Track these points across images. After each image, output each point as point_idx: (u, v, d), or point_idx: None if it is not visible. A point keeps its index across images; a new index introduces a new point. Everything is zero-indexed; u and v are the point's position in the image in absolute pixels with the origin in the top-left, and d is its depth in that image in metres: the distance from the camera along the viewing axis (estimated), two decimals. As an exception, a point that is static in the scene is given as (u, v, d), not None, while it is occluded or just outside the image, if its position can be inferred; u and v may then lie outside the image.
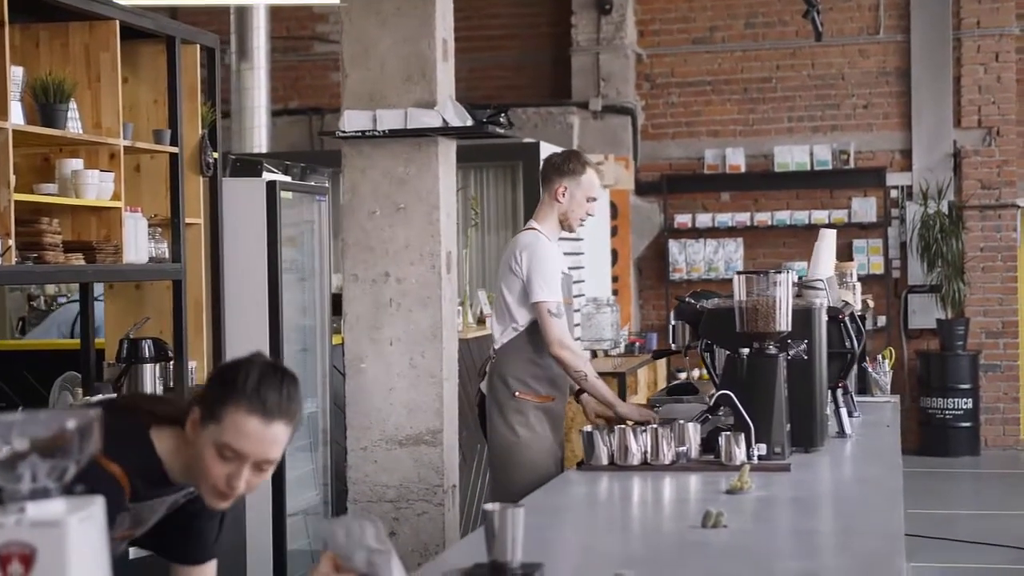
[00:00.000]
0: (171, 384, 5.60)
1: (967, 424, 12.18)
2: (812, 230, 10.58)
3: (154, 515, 2.78)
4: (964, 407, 12.15)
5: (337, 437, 6.63)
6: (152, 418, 2.72)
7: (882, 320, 12.48)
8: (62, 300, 8.29)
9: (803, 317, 4.49)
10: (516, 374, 5.20)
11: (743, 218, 12.74)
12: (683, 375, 10.90)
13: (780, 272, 4.38)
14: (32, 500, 1.75)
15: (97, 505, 1.77)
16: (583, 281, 10.35)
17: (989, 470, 11.80)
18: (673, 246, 12.85)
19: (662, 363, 10.79)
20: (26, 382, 6.23)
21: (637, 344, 10.65)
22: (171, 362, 5.57)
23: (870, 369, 6.35)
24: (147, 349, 5.41)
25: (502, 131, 5.83)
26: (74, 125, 4.90)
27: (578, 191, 5.24)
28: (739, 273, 4.41)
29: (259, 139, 10.79)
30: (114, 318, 5.76)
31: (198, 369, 5.85)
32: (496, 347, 5.30)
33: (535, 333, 5.19)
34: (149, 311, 5.65)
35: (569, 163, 5.28)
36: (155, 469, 2.69)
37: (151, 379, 5.40)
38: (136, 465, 2.65)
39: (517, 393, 5.17)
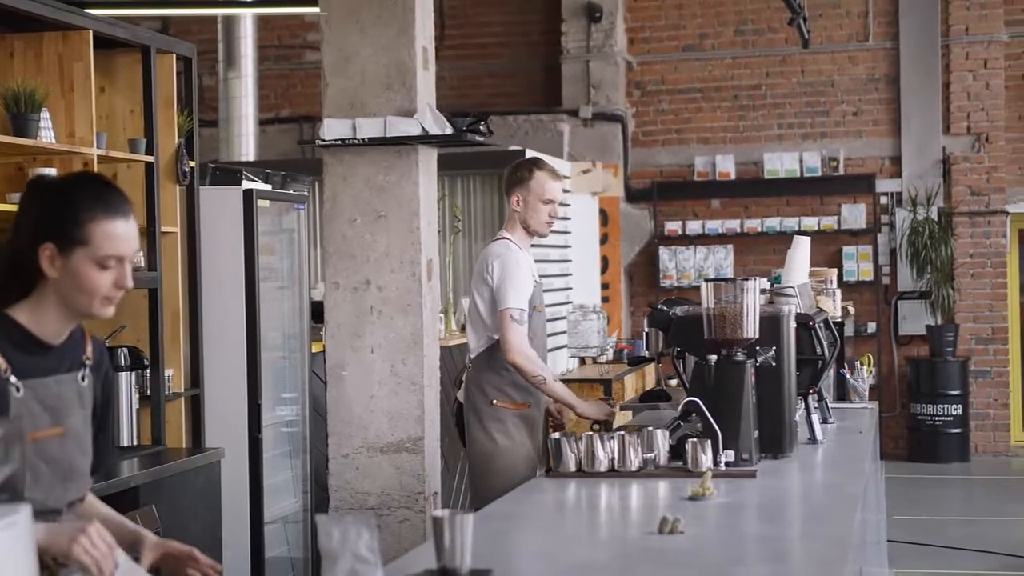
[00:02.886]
0: (147, 392, 5.61)
1: (957, 430, 12.19)
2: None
3: (62, 406, 2.76)
4: (954, 413, 12.15)
5: (318, 444, 6.64)
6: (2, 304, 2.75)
7: (872, 326, 12.49)
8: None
9: (771, 324, 4.51)
10: (493, 382, 5.26)
11: (733, 225, 12.76)
12: (674, 382, 10.91)
13: (747, 279, 4.39)
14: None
15: (22, 513, 1.79)
16: (571, 288, 10.37)
17: (979, 476, 11.79)
18: (663, 253, 12.86)
19: (651, 370, 10.81)
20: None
21: (626, 351, 10.66)
22: (147, 370, 5.58)
23: (848, 376, 6.35)
24: (123, 357, 5.42)
25: (481, 139, 5.84)
26: (47, 134, 4.92)
27: (530, 196, 5.33)
28: (707, 280, 4.44)
29: (246, 147, 10.82)
30: (90, 326, 5.76)
31: (175, 377, 5.86)
32: (472, 356, 5.36)
33: None
34: (125, 319, 5.66)
35: (517, 172, 5.39)
36: (24, 336, 2.71)
37: (127, 387, 5.41)
38: (3, 337, 2.68)
39: (495, 401, 5.24)
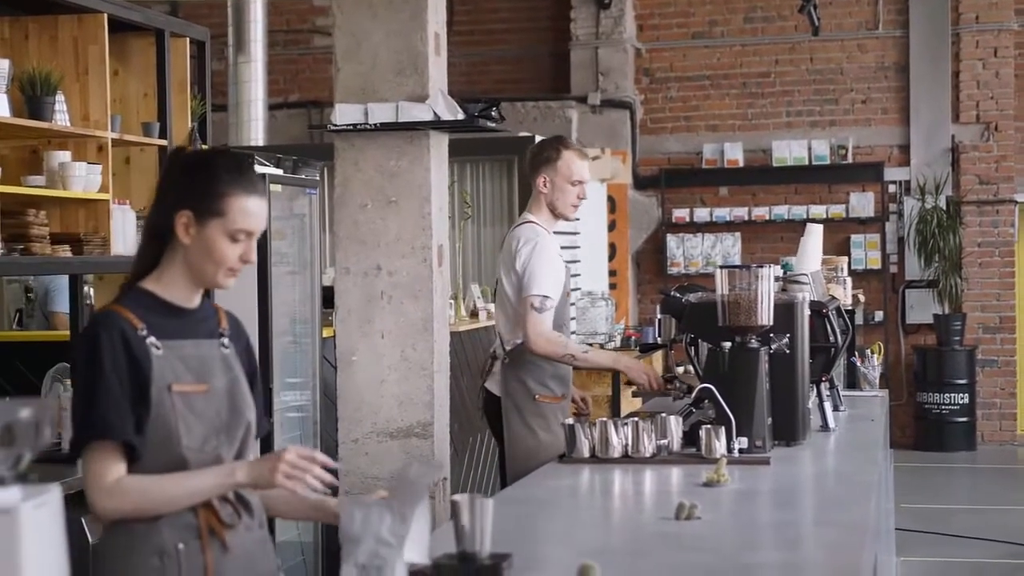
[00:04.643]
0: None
1: (963, 419, 12.20)
2: (808, 225, 10.57)
3: (205, 368, 2.83)
4: (961, 402, 12.16)
5: (328, 429, 6.65)
6: (133, 280, 2.86)
7: (879, 315, 12.50)
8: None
9: (785, 311, 4.50)
10: (535, 376, 5.15)
11: (741, 213, 12.76)
12: (680, 369, 10.90)
13: (762, 266, 4.39)
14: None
15: (53, 493, 1.80)
16: (579, 275, 10.37)
17: (985, 465, 11.81)
18: (671, 240, 12.87)
19: (660, 356, 10.81)
20: (21, 373, 6.26)
21: (633, 338, 10.65)
22: (160, 354, 5.58)
23: (859, 364, 6.35)
24: (135, 341, 5.41)
25: (493, 125, 5.83)
26: (61, 117, 4.92)
27: (557, 177, 5.19)
28: (721, 267, 4.43)
29: (256, 132, 10.79)
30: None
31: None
32: (507, 348, 5.22)
33: None
34: (138, 303, 5.67)
35: (544, 152, 5.25)
36: (156, 302, 2.82)
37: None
38: (136, 303, 2.79)
39: (537, 396, 5.14)
